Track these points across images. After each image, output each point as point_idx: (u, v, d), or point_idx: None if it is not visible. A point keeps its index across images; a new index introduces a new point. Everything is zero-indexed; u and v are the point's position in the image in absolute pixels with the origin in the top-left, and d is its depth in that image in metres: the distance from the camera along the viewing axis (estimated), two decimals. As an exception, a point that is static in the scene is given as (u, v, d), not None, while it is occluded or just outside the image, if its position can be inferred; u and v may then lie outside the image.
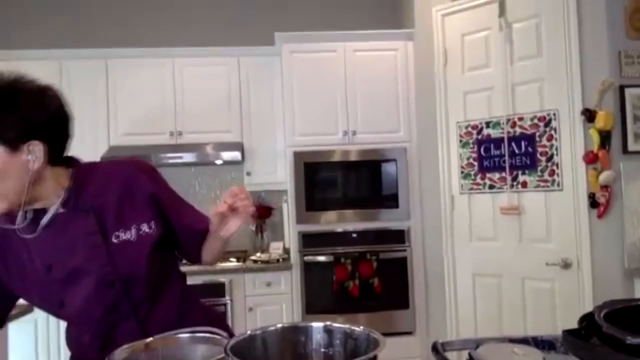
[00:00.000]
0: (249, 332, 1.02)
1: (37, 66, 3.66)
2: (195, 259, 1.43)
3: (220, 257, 1.44)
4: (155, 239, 1.28)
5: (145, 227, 1.27)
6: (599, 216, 2.64)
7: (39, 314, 3.19)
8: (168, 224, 1.34)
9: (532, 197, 2.87)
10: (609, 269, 2.64)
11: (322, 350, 1.06)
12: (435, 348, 1.16)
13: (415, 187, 3.52)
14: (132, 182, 1.29)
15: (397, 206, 3.50)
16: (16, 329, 2.63)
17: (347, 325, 1.06)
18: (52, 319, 3.28)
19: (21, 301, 2.75)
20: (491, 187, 3.00)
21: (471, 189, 3.09)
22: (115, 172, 1.31)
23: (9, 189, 1.12)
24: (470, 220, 3.13)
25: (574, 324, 2.65)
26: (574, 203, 2.72)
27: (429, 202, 3.37)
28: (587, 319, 0.76)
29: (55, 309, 1.26)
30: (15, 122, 1.12)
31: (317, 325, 1.07)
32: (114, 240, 1.23)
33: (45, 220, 1.19)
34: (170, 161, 3.61)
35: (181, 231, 1.37)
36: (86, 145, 3.67)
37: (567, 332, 0.72)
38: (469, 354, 1.11)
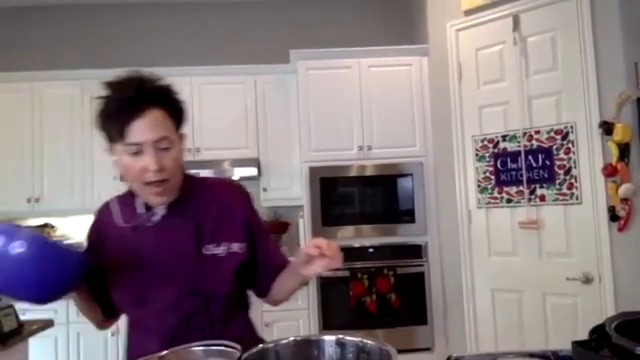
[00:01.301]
0: (261, 345, 1.02)
1: (60, 86, 3.78)
2: (264, 293, 1.44)
3: (287, 299, 1.44)
4: (242, 260, 1.32)
5: (235, 247, 1.31)
6: (620, 229, 2.59)
7: (59, 330, 3.23)
8: (253, 250, 1.37)
9: (550, 211, 2.83)
10: (632, 283, 2.58)
11: None
12: (449, 362, 1.16)
13: (431, 202, 3.51)
14: (232, 203, 1.36)
15: (413, 221, 3.49)
16: (36, 344, 2.67)
17: (359, 339, 1.06)
18: (72, 334, 3.31)
19: (40, 316, 2.79)
20: (509, 201, 2.98)
21: (488, 203, 3.07)
22: (219, 189, 1.38)
23: (180, 171, 1.26)
24: (488, 235, 3.09)
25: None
26: (593, 216, 2.68)
27: (446, 217, 3.35)
28: (597, 331, 0.75)
29: (134, 308, 1.29)
30: (183, 111, 1.28)
31: (329, 338, 1.08)
32: (205, 252, 1.28)
33: (157, 216, 1.27)
34: (188, 178, 3.65)
35: (262, 261, 1.39)
36: (107, 162, 3.72)
37: (577, 344, 0.71)
38: (484, 369, 1.10)
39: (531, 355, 1.18)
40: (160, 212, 1.27)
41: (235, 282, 1.31)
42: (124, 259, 1.27)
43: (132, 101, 1.16)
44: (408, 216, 3.49)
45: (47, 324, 2.60)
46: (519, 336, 2.98)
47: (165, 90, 1.25)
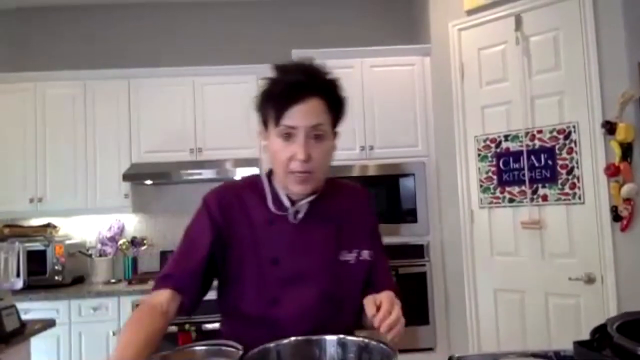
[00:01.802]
0: (262, 345, 1.02)
1: (62, 86, 3.79)
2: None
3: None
4: (368, 267, 1.30)
5: (365, 254, 1.30)
6: (623, 229, 2.58)
7: (61, 330, 3.24)
8: None
9: (553, 211, 2.82)
10: (634, 284, 2.58)
11: None
12: (451, 362, 1.15)
13: (434, 202, 3.50)
14: (365, 210, 1.37)
15: (416, 221, 3.48)
16: (38, 344, 2.67)
17: (361, 338, 1.06)
18: (74, 334, 3.32)
19: (42, 316, 2.79)
20: (511, 200, 2.97)
21: (491, 202, 3.06)
22: (352, 194, 1.38)
23: (327, 166, 1.25)
24: (490, 235, 3.09)
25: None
26: (596, 216, 2.67)
27: (448, 217, 3.35)
28: (599, 331, 0.75)
29: (264, 306, 1.22)
30: (344, 109, 1.27)
31: (330, 338, 1.08)
32: (339, 258, 1.27)
33: (301, 214, 1.26)
34: (190, 177, 3.66)
35: (371, 276, 1.32)
36: (109, 162, 3.75)
37: (579, 344, 0.71)
38: (486, 369, 1.10)
39: (533, 355, 1.18)
40: (304, 209, 1.26)
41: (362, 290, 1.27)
42: (260, 253, 1.23)
43: (297, 86, 1.16)
44: (410, 216, 3.49)
45: (49, 323, 2.60)
46: (522, 336, 2.97)
47: (332, 83, 1.24)
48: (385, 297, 1.08)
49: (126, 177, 3.63)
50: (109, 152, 3.77)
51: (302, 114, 1.16)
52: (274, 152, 1.20)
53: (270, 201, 1.26)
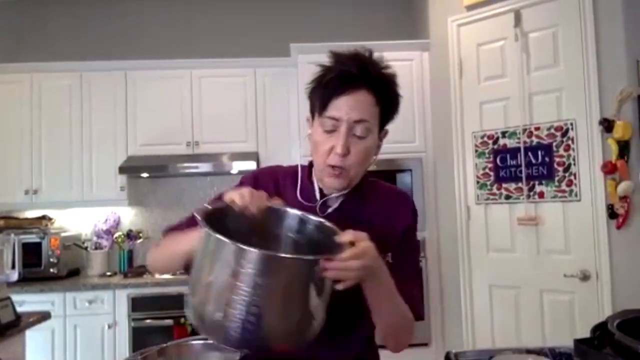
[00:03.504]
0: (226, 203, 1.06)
1: (59, 78, 3.76)
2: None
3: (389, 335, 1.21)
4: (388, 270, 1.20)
5: (388, 257, 1.20)
6: (618, 227, 2.59)
7: (56, 322, 3.23)
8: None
9: (549, 208, 2.83)
10: (629, 281, 2.59)
11: (290, 235, 1.12)
12: (448, 358, 1.16)
13: (430, 198, 3.50)
14: (402, 215, 1.27)
15: (412, 217, 3.48)
16: (34, 336, 2.66)
17: (321, 220, 1.11)
18: (69, 326, 3.31)
19: (37, 308, 2.78)
20: (507, 197, 2.98)
21: (487, 199, 3.07)
22: (389, 196, 1.30)
23: (365, 166, 1.19)
24: (486, 231, 3.10)
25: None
26: (592, 214, 2.68)
27: (444, 213, 3.35)
28: (600, 329, 0.75)
29: None
30: (396, 107, 1.22)
31: (294, 212, 1.13)
32: None
33: (331, 209, 1.22)
34: (187, 171, 3.65)
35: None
36: (106, 154, 3.73)
37: (580, 342, 0.71)
38: (483, 365, 1.10)
39: (528, 351, 1.18)
40: (333, 203, 1.22)
41: None
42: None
43: (349, 77, 1.12)
44: (407, 212, 3.49)
45: (44, 316, 2.60)
46: (516, 332, 2.98)
47: (387, 78, 1.18)
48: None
49: (122, 169, 3.62)
50: (105, 144, 3.75)
51: (348, 106, 1.12)
52: (315, 142, 1.18)
53: (299, 191, 1.24)
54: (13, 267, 3.35)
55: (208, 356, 1.06)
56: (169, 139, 3.75)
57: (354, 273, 0.97)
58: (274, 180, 1.29)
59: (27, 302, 3.20)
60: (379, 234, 1.15)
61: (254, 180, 1.28)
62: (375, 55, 1.18)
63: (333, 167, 1.14)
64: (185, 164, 3.64)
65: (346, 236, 1.00)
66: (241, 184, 1.29)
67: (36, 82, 3.75)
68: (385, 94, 1.16)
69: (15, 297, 2.48)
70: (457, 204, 3.20)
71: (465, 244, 3.18)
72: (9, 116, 3.74)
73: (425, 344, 3.45)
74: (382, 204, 1.26)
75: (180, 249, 1.11)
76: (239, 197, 1.05)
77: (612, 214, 2.60)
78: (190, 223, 1.18)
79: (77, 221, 4.01)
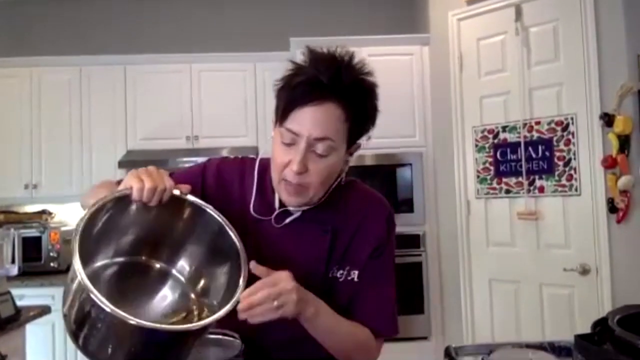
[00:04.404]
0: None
1: (58, 72, 3.75)
2: None
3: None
4: (351, 293, 1.10)
5: (354, 275, 1.10)
6: (618, 221, 2.59)
7: (56, 316, 3.23)
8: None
9: (549, 202, 2.83)
10: (629, 275, 2.59)
11: (192, 243, 1.06)
12: (448, 353, 1.16)
13: (430, 192, 3.50)
14: (377, 226, 1.14)
15: (412, 211, 3.49)
16: (34, 331, 2.67)
17: (236, 242, 1.00)
18: (70, 321, 3.32)
19: (37, 302, 2.77)
20: (507, 191, 2.98)
21: (487, 193, 3.07)
22: (370, 207, 1.16)
23: (328, 183, 1.05)
24: (486, 225, 3.10)
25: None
26: (592, 208, 2.68)
27: (444, 207, 3.35)
28: (600, 324, 0.75)
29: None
30: (370, 120, 1.09)
31: (211, 216, 1.02)
32: (329, 274, 1.10)
33: (291, 218, 1.09)
34: (186, 165, 3.64)
35: (353, 302, 1.11)
36: (105, 149, 3.73)
37: (580, 337, 0.71)
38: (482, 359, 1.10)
39: (528, 346, 1.18)
40: (296, 213, 1.08)
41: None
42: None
43: (317, 85, 0.97)
44: (406, 206, 3.49)
45: (45, 310, 2.60)
46: (516, 326, 2.99)
47: (362, 89, 1.03)
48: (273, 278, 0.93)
49: (122, 164, 3.61)
50: (104, 138, 3.75)
51: (310, 121, 0.97)
52: (273, 152, 1.05)
53: (253, 197, 1.10)
54: (13, 261, 3.36)
55: (207, 349, 1.05)
56: (168, 134, 3.75)
57: (265, 309, 0.90)
58: (239, 176, 1.15)
59: (27, 296, 3.20)
60: (346, 245, 1.09)
61: (217, 170, 1.15)
62: (357, 60, 1.04)
63: (290, 183, 1.01)
64: (185, 158, 3.63)
65: (258, 269, 0.93)
66: (204, 167, 1.16)
67: (35, 76, 3.74)
68: (357, 108, 1.02)
69: (15, 291, 2.49)
70: (457, 199, 3.20)
71: (465, 238, 3.19)
72: (8, 111, 3.73)
73: (425, 338, 3.47)
74: (353, 211, 1.12)
75: None
76: (137, 187, 0.92)
77: (612, 208, 2.60)
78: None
79: (76, 215, 4.01)
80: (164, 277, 1.07)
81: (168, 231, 1.04)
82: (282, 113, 1.01)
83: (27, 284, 3.31)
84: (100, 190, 1.07)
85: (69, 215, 4.01)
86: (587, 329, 2.55)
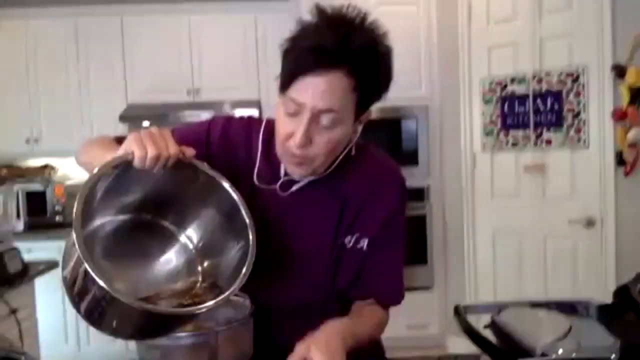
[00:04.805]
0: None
1: (53, 24, 3.65)
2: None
3: None
4: (359, 262, 1.06)
5: (363, 243, 1.06)
6: (626, 174, 2.57)
7: (65, 270, 3.27)
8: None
9: (557, 155, 2.81)
10: (634, 228, 2.60)
11: (199, 209, 1.02)
12: (457, 311, 1.16)
13: (436, 145, 3.46)
14: (389, 194, 1.08)
15: (416, 164, 3.46)
16: (43, 285, 2.70)
17: (247, 222, 0.95)
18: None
19: (45, 256, 2.79)
20: (514, 144, 2.94)
21: (493, 146, 3.04)
22: (381, 175, 1.10)
23: (334, 154, 0.99)
24: (492, 178, 3.08)
25: (595, 284, 2.66)
26: (600, 161, 2.65)
27: (449, 160, 3.33)
28: (621, 293, 0.74)
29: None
30: (382, 88, 0.98)
31: (221, 185, 0.97)
32: (337, 242, 1.05)
33: (298, 186, 1.04)
34: (188, 119, 3.60)
35: (361, 273, 1.08)
36: (104, 102, 3.67)
37: (602, 308, 0.70)
38: (492, 318, 1.10)
39: (533, 305, 1.18)
40: (303, 181, 1.03)
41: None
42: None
43: (322, 53, 0.88)
44: (411, 159, 3.46)
45: (52, 264, 2.62)
46: (518, 278, 3.02)
47: (373, 55, 0.92)
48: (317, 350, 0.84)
49: (123, 118, 3.57)
50: (103, 91, 3.68)
51: (315, 91, 0.89)
52: (276, 120, 0.98)
53: (258, 163, 1.05)
54: (18, 217, 3.38)
55: (217, 309, 1.04)
56: (168, 87, 3.68)
57: None
58: (246, 138, 1.08)
59: (34, 249, 3.21)
60: (355, 213, 1.05)
61: (223, 130, 1.08)
62: (369, 20, 0.93)
63: (293, 155, 0.95)
64: (187, 112, 3.59)
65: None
66: (209, 127, 1.09)
67: (31, 28, 3.65)
68: (368, 75, 0.92)
69: (22, 245, 2.50)
70: (463, 152, 3.17)
71: (469, 191, 3.18)
72: (5, 65, 3.66)
73: (428, 288, 3.51)
74: (364, 179, 1.07)
75: (95, 166, 0.94)
76: (139, 156, 0.85)
77: (620, 161, 2.58)
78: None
79: (79, 169, 3.99)
80: (170, 239, 1.04)
81: (177, 194, 1.00)
82: (285, 80, 0.93)
83: (34, 237, 3.33)
84: (94, 148, 1.04)
85: (72, 169, 3.99)
86: (589, 283, 2.57)
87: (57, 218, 3.58)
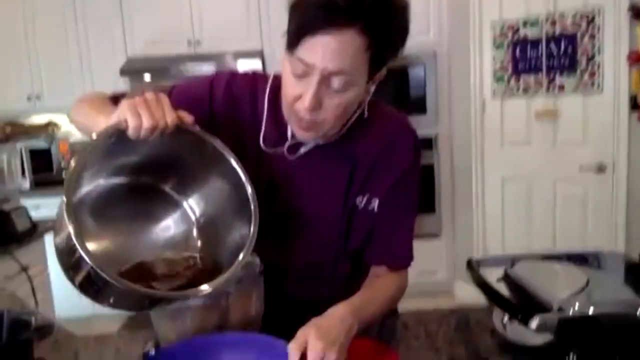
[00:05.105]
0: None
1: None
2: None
3: None
4: (371, 223, 1.03)
5: (374, 204, 1.02)
6: (640, 119, 2.51)
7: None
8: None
9: (569, 101, 2.73)
10: (646, 174, 2.56)
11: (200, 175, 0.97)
12: (470, 265, 1.14)
13: (444, 93, 3.39)
14: (401, 153, 1.03)
15: (425, 112, 3.39)
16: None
17: (250, 194, 0.91)
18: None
19: (52, 212, 2.80)
20: (525, 91, 2.87)
21: (504, 93, 2.96)
22: (386, 126, 1.04)
23: (345, 117, 0.93)
24: (502, 125, 3.02)
25: (605, 231, 2.63)
26: (613, 105, 2.59)
27: (458, 107, 3.26)
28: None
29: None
30: (397, 46, 0.90)
31: (221, 154, 0.91)
32: (348, 204, 1.02)
33: (306, 149, 0.99)
34: (189, 72, 3.51)
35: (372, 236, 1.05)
36: (105, 58, 3.58)
37: (629, 267, 0.67)
38: (505, 272, 1.08)
39: (545, 257, 1.16)
40: (311, 144, 0.98)
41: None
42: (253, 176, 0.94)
43: (333, 10, 0.80)
44: (419, 107, 3.39)
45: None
46: (527, 226, 3.01)
47: (388, 9, 0.84)
48: (314, 343, 0.78)
49: (124, 72, 3.49)
50: (103, 45, 3.59)
51: (325, 51, 0.82)
52: (283, 80, 0.91)
53: (264, 125, 1.00)
54: (23, 175, 3.37)
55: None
56: (168, 38, 3.56)
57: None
58: (251, 95, 1.02)
59: (42, 206, 3.23)
60: (367, 173, 1.01)
61: (227, 86, 1.01)
62: None
63: (301, 118, 0.89)
64: (188, 64, 3.50)
65: (293, 346, 0.78)
66: (212, 83, 1.02)
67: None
68: (382, 33, 0.84)
69: (29, 202, 2.50)
70: (472, 99, 3.10)
71: (479, 138, 3.12)
72: (4, 20, 3.56)
73: (436, 235, 3.52)
74: (375, 140, 1.01)
75: (88, 128, 0.92)
76: (133, 126, 0.79)
77: (634, 105, 2.51)
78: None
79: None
80: (171, 206, 0.99)
81: (179, 160, 0.95)
82: (293, 38, 0.85)
83: (41, 194, 3.33)
84: (88, 108, 0.97)
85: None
86: (599, 230, 2.55)
87: (64, 174, 3.56)
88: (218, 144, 0.91)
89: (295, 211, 1.02)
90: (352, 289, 0.98)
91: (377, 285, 1.03)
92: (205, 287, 0.82)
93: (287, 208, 1.02)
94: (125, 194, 0.95)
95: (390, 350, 0.96)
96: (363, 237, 1.05)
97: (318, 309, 0.88)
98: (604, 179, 2.66)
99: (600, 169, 2.65)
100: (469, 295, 3.11)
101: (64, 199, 0.78)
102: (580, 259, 1.10)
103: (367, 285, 1.02)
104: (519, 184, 3.02)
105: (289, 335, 0.81)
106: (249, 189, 0.90)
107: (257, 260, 0.99)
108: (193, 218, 1.00)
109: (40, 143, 3.55)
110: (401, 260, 1.08)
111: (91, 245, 0.82)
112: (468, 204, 3.27)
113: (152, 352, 0.82)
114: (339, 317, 0.85)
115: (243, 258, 0.86)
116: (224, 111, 1.00)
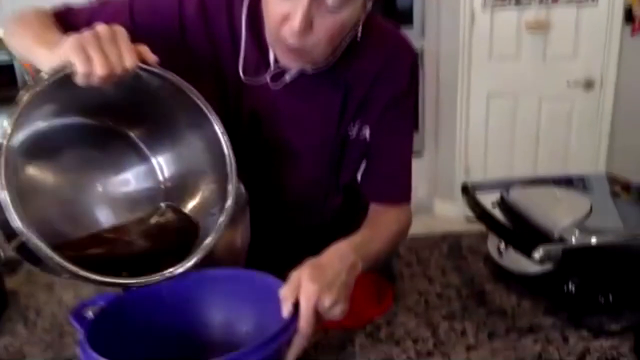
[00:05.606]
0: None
1: None
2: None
3: None
4: (363, 154, 0.94)
5: (366, 132, 0.92)
6: (633, 33, 2.43)
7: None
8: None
9: (562, 12, 2.64)
10: (633, 89, 2.52)
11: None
12: (465, 189, 1.10)
13: (432, 3, 3.21)
14: (398, 75, 0.91)
15: (411, 24, 3.23)
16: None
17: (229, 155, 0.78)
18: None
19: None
20: (517, 2, 2.73)
21: (494, 4, 2.82)
22: (391, 55, 0.90)
23: (338, 41, 0.79)
24: (490, 38, 2.92)
25: (588, 148, 2.62)
26: (607, 18, 2.52)
27: (446, 19, 3.10)
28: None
29: None
30: None
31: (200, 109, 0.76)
32: (340, 132, 0.92)
33: (290, 76, 0.85)
34: None
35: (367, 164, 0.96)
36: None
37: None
38: (501, 197, 1.04)
39: (537, 181, 1.12)
40: (296, 71, 0.85)
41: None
42: (231, 104, 0.86)
43: None
44: (405, 19, 3.22)
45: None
46: (510, 142, 2.99)
47: None
48: (306, 288, 0.67)
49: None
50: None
51: None
52: (266, 2, 0.76)
53: (243, 50, 0.86)
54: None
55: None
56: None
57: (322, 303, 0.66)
58: (227, 7, 0.86)
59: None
60: (360, 99, 0.90)
61: (201, 3, 0.85)
62: None
63: (289, 44, 0.75)
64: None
65: (286, 291, 0.67)
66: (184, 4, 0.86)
67: None
68: None
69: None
70: (461, 10, 2.95)
71: (466, 52, 3.02)
72: None
73: (419, 152, 3.48)
74: (370, 61, 0.89)
75: (29, 61, 0.76)
76: (83, 72, 0.64)
77: (628, 17, 2.42)
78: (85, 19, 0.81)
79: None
80: (136, 156, 0.84)
81: (146, 105, 0.79)
82: None
83: (5, 110, 3.17)
84: (27, 32, 0.79)
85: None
86: (582, 148, 2.54)
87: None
88: (194, 92, 0.75)
89: (282, 144, 0.92)
90: (344, 219, 0.93)
91: (379, 221, 0.93)
92: (174, 269, 0.71)
93: (273, 141, 0.92)
94: (79, 137, 0.79)
95: (384, 281, 0.93)
96: (356, 169, 0.96)
97: (308, 235, 0.83)
98: (592, 95, 2.62)
99: (589, 84, 2.61)
100: (447, 213, 3.15)
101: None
102: (566, 182, 1.07)
103: (368, 223, 0.93)
104: (504, 99, 2.97)
105: (276, 270, 0.73)
106: (226, 150, 0.77)
107: (242, 190, 0.92)
108: (161, 177, 0.86)
109: (1, 57, 3.33)
110: (401, 193, 0.98)
111: (30, 202, 0.67)
112: (452, 122, 3.21)
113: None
114: (337, 255, 0.75)
115: (212, 240, 0.75)
116: (197, 29, 0.86)
